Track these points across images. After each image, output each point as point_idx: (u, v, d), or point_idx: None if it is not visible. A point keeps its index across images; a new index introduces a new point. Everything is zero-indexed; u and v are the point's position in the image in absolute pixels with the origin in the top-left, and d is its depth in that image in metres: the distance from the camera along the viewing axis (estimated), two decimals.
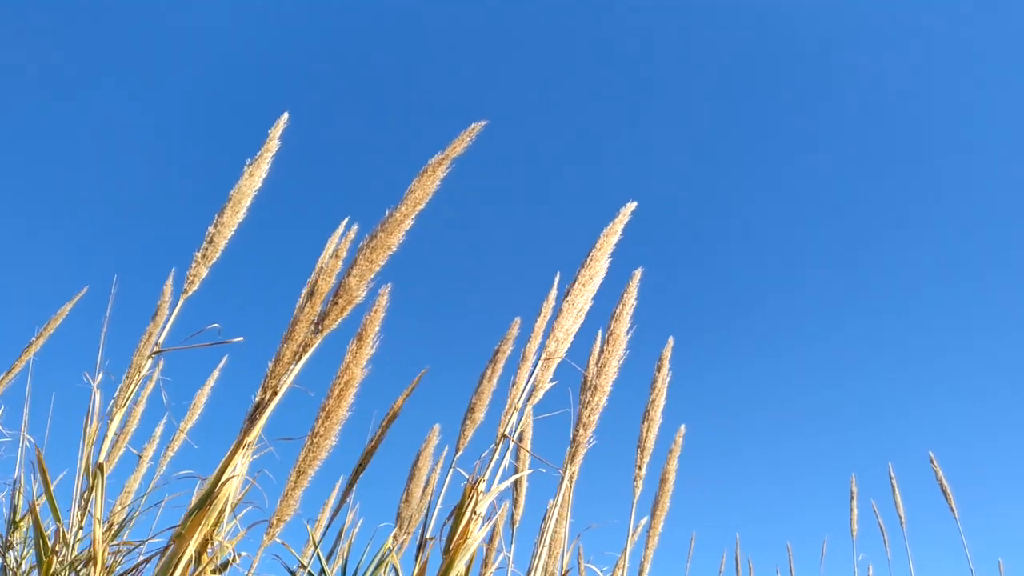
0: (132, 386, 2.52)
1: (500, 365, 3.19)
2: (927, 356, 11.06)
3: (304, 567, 2.75)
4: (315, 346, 2.00)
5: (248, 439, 2.01)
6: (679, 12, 11.34)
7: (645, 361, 3.24)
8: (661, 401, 2.89)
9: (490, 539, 3.27)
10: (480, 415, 3.10)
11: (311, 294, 1.99)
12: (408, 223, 1.95)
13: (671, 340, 2.97)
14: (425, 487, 3.97)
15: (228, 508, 1.99)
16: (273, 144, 2.48)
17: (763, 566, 6.10)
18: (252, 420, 2.01)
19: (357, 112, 10.70)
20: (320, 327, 1.99)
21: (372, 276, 1.98)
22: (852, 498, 5.40)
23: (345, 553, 2.82)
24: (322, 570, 2.73)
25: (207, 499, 1.93)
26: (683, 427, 3.17)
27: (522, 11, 11.14)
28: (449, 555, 2.08)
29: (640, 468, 2.82)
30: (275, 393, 2.00)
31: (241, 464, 2.06)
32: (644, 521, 2.91)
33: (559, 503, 2.31)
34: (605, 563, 2.81)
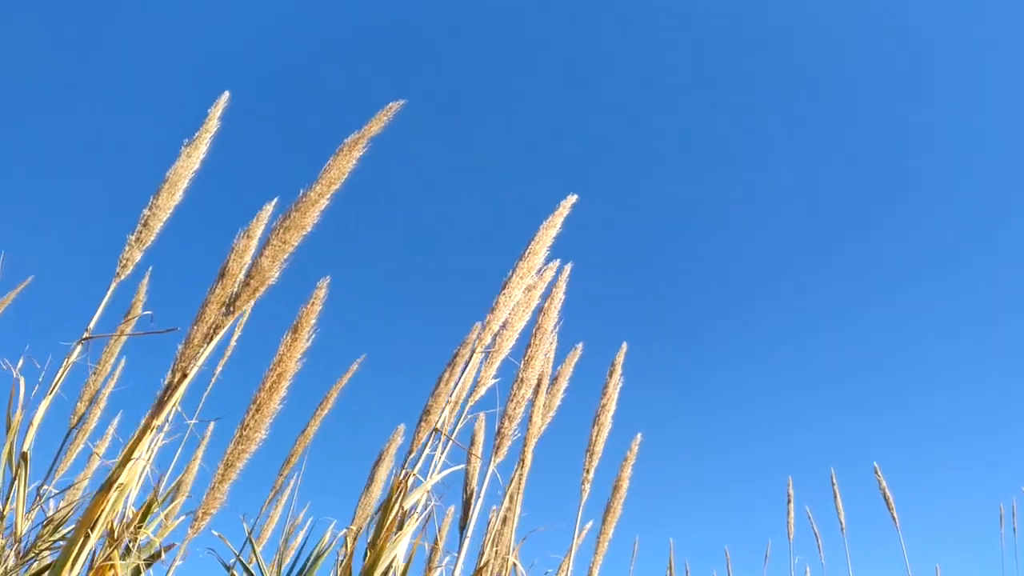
0: (61, 372, 2.47)
1: (458, 369, 3.13)
2: (868, 365, 11.04)
3: (240, 560, 2.68)
4: (226, 328, 1.94)
5: (156, 423, 1.95)
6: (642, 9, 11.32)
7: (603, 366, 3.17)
8: (612, 406, 2.83)
9: (435, 540, 3.18)
10: (436, 417, 3.04)
11: (223, 275, 1.93)
12: (323, 203, 1.90)
13: (624, 346, 2.92)
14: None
15: (131, 494, 1.93)
16: (212, 125, 2.43)
17: (704, 569, 6.03)
18: (161, 403, 1.95)
19: (297, 97, 10.71)
20: (231, 308, 1.93)
21: (286, 257, 1.92)
22: (789, 501, 5.38)
23: (282, 549, 2.75)
24: (258, 564, 2.67)
25: (107, 484, 1.86)
26: (639, 435, 3.10)
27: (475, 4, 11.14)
28: (375, 550, 2.00)
29: (588, 472, 2.75)
30: (184, 376, 1.94)
31: (149, 449, 2.00)
32: (589, 525, 2.84)
33: (494, 497, 2.24)
34: (550, 565, 2.74)
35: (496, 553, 3.13)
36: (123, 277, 2.46)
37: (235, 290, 1.93)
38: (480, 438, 3.27)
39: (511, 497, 3.73)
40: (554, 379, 2.80)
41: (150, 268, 3.10)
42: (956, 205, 11.58)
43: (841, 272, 11.94)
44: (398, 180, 10.95)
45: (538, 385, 2.75)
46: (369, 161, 2.03)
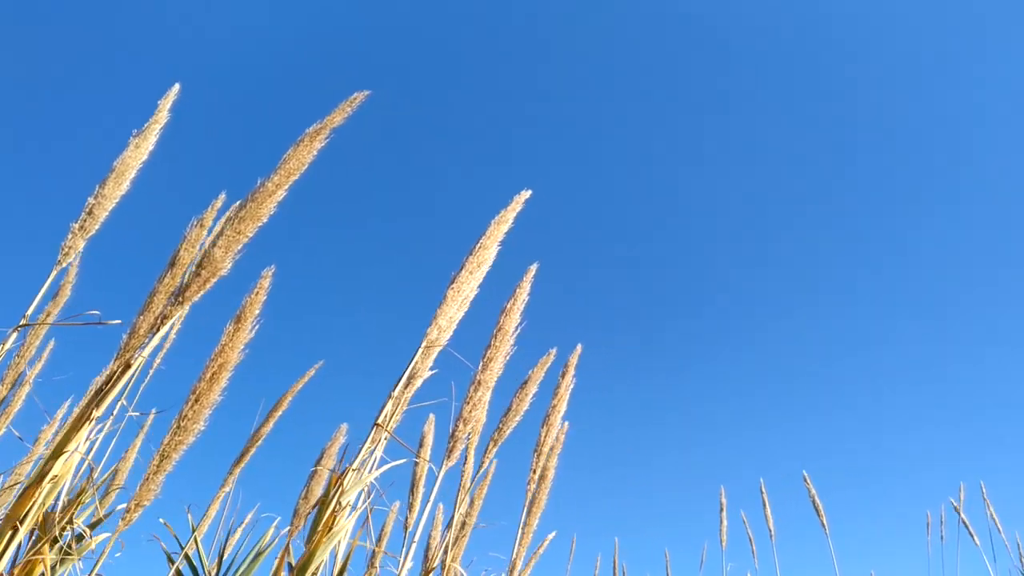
0: None
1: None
2: (803, 376, 11.45)
3: (184, 553, 2.61)
4: (174, 318, 1.89)
5: (96, 413, 1.89)
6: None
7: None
8: (563, 407, 2.85)
9: (378, 540, 3.15)
10: (390, 421, 3.01)
11: (172, 264, 1.89)
12: (280, 194, 1.87)
13: (579, 347, 2.95)
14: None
15: (66, 486, 1.87)
16: (162, 116, 2.37)
17: (642, 571, 6.15)
18: (101, 393, 1.89)
19: (253, 90, 10.57)
20: (181, 299, 1.89)
21: (239, 248, 1.89)
22: (722, 510, 5.52)
23: (223, 541, 2.69)
24: (199, 556, 2.60)
25: (39, 476, 1.80)
26: (566, 424, 3.13)
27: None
28: (311, 546, 1.97)
29: (535, 472, 2.76)
30: (128, 366, 1.89)
31: (87, 440, 1.94)
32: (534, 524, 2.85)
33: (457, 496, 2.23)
34: (490, 564, 2.74)
35: (444, 559, 3.12)
36: (64, 264, 2.38)
37: (185, 280, 1.89)
38: (429, 440, 3.25)
39: (471, 502, 3.71)
40: (524, 383, 2.80)
41: (81, 253, 3.01)
42: (868, 221, 12.09)
43: (776, 284, 12.32)
44: (357, 176, 10.85)
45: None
46: (327, 155, 2.02)
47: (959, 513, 5.44)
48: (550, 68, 11.75)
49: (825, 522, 4.97)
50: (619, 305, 11.97)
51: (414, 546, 2.72)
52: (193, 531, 2.62)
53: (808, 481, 5.13)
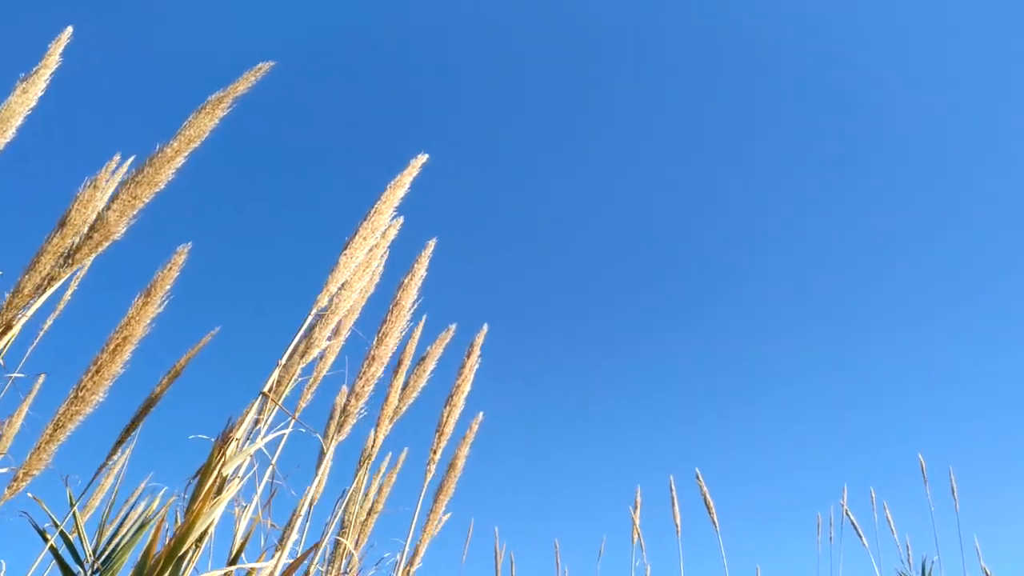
0: None
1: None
2: (702, 375, 11.91)
3: (56, 525, 2.54)
4: (62, 280, 1.85)
5: None
6: None
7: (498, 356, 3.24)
8: (466, 387, 2.88)
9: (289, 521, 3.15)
10: (285, 390, 3.00)
11: (63, 225, 1.84)
12: (180, 160, 1.85)
13: (485, 328, 2.98)
14: None
15: None
16: (52, 61, 2.27)
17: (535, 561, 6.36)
18: None
19: (166, 56, 10.25)
20: (70, 260, 1.85)
21: (134, 213, 1.86)
22: (636, 508, 5.74)
23: (106, 515, 2.64)
24: (78, 532, 2.54)
25: None
26: (480, 415, 3.18)
27: None
28: (189, 516, 1.96)
29: (435, 453, 2.79)
30: (9, 327, 1.84)
31: None
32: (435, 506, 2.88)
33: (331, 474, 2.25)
34: (391, 548, 2.77)
35: (348, 532, 3.14)
36: None
37: (76, 241, 1.85)
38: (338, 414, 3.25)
39: (379, 489, 3.72)
40: (421, 359, 2.81)
41: None
42: (749, 229, 12.58)
43: (685, 284, 12.67)
44: (261, 147, 10.63)
45: (399, 364, 2.75)
46: (229, 124, 1.99)
47: (847, 515, 5.76)
48: (456, 44, 11.73)
49: (715, 519, 5.17)
50: (536, 298, 12.13)
51: (308, 523, 2.73)
52: (72, 504, 2.56)
53: (700, 478, 5.32)
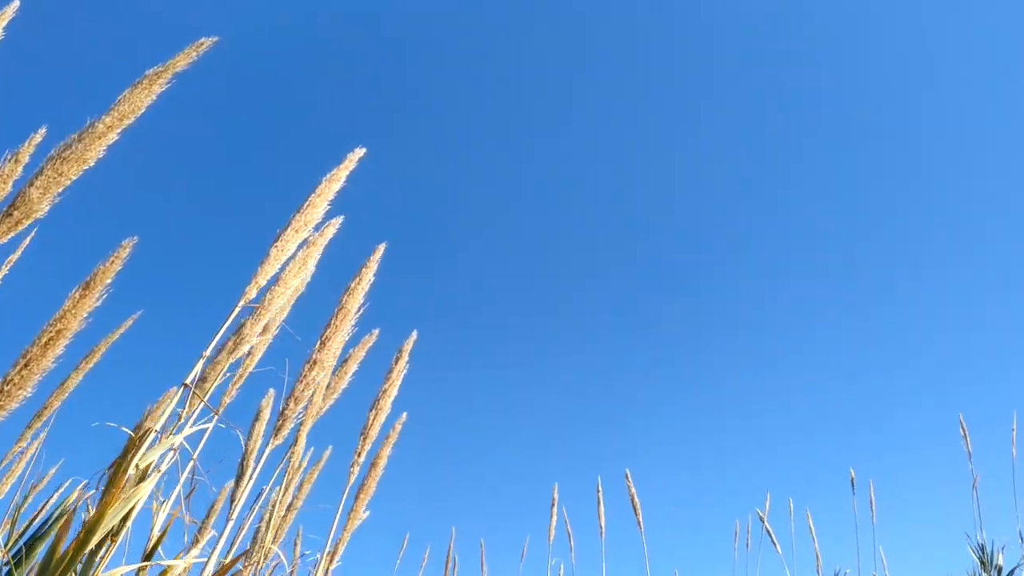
0: None
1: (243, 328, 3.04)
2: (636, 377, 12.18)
3: None
4: None
5: None
6: None
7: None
8: (393, 392, 2.87)
9: (206, 517, 3.06)
10: (211, 386, 2.93)
11: None
12: (112, 136, 1.77)
13: (414, 334, 2.99)
14: None
15: None
16: None
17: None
18: None
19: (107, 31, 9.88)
20: None
21: (60, 190, 1.78)
22: (553, 505, 5.79)
23: (19, 503, 2.52)
24: None
25: None
26: (404, 415, 3.18)
27: None
28: (100, 508, 1.89)
29: (359, 455, 2.77)
30: None
31: None
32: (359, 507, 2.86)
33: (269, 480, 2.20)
34: (310, 546, 2.73)
35: (259, 538, 3.05)
36: None
37: None
38: (265, 415, 3.18)
39: (300, 486, 3.65)
40: (344, 360, 2.79)
41: None
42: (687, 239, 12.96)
43: (624, 282, 12.89)
44: (199, 130, 10.34)
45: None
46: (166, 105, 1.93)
47: (763, 522, 5.97)
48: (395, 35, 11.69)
49: (641, 520, 5.28)
50: (466, 300, 12.14)
51: (230, 524, 2.66)
52: None
53: (629, 479, 5.43)
